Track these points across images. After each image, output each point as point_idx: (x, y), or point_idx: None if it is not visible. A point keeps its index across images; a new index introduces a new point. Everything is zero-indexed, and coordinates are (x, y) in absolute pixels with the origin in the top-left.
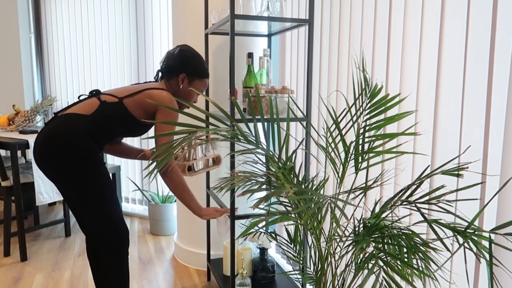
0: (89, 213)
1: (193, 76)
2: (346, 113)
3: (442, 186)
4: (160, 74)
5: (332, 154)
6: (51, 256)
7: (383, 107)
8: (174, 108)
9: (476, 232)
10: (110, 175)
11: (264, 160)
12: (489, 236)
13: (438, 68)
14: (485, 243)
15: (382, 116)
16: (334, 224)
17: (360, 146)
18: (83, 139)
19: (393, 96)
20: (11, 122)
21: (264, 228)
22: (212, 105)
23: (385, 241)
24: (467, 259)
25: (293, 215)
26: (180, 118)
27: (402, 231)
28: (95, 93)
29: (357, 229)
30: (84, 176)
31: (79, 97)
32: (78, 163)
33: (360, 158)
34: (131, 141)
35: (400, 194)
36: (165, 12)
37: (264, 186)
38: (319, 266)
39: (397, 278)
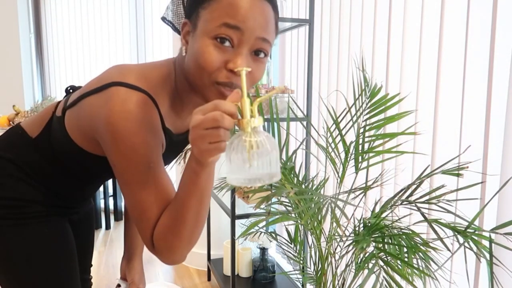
0: None
1: (197, 9)
2: (346, 113)
3: (442, 186)
4: None
5: (332, 154)
6: None
7: (383, 107)
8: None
9: (476, 232)
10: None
11: None
12: (489, 235)
13: (438, 68)
14: (485, 243)
15: (382, 116)
16: (334, 224)
17: (360, 146)
18: (13, 185)
19: (393, 95)
20: (11, 122)
21: (264, 228)
22: None
23: (385, 241)
24: (467, 258)
25: (293, 215)
26: None
27: (402, 231)
28: (70, 90)
29: (357, 229)
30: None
31: (67, 90)
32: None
33: (360, 158)
34: None
35: (400, 194)
36: None
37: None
38: (319, 266)
39: (398, 278)
